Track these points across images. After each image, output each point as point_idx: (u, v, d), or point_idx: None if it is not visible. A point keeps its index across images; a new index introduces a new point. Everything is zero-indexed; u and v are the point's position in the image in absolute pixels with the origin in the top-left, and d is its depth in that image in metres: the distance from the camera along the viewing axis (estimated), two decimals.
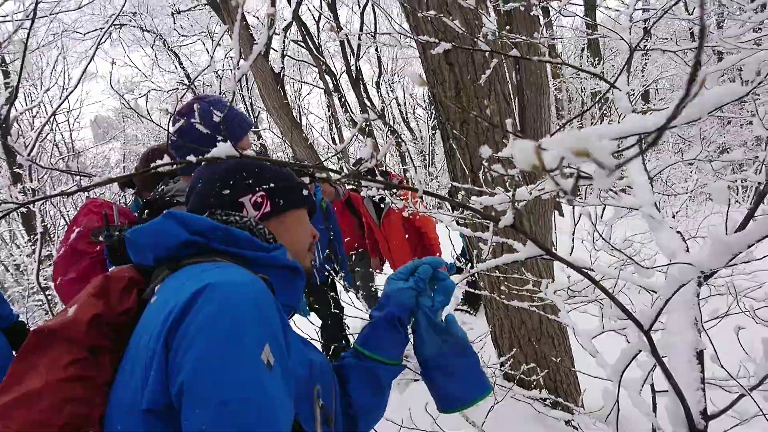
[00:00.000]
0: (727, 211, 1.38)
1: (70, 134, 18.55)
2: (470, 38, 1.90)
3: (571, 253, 7.06)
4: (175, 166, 1.17)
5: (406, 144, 19.06)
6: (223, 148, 0.95)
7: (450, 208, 2.73)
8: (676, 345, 1.27)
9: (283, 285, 1.12)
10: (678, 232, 1.43)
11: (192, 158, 0.95)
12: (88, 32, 11.85)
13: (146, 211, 1.62)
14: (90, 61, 5.90)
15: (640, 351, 1.25)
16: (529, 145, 0.40)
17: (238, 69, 0.86)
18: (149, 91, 17.06)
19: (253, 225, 1.19)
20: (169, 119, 1.79)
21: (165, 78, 16.65)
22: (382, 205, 4.57)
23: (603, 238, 1.67)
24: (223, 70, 17.30)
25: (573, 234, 4.97)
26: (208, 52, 17.56)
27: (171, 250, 1.07)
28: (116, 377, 0.92)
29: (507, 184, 2.14)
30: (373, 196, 4.17)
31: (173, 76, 16.33)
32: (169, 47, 15.05)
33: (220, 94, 16.57)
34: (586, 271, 1.05)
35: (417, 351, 1.30)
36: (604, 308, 1.36)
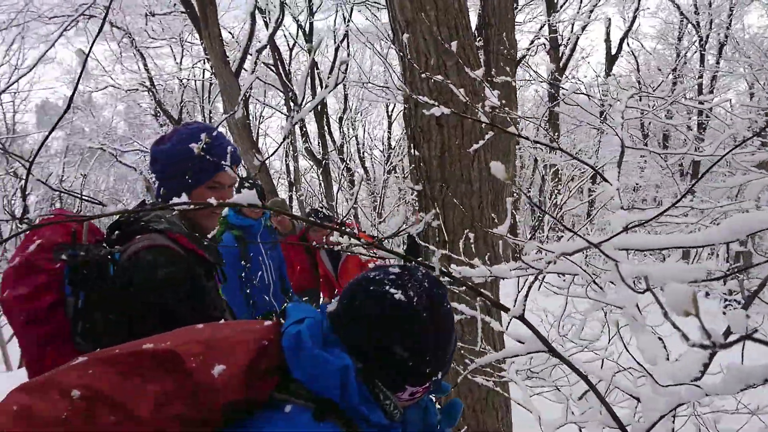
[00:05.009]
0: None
1: (13, 116, 17.61)
2: (472, 106, 1.91)
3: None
4: (191, 205, 1.07)
5: (354, 184, 19.11)
6: (246, 196, 0.88)
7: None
8: None
9: None
10: (659, 337, 1.44)
11: (213, 201, 0.88)
12: (55, 16, 11.36)
13: (116, 231, 1.49)
14: (51, 46, 5.66)
15: None
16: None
17: (296, 112, 0.81)
18: (106, 86, 16.45)
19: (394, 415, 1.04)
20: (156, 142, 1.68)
21: (125, 76, 16.12)
22: (339, 253, 4.46)
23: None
24: (188, 79, 16.92)
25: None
26: (175, 59, 17.27)
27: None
28: None
29: (486, 257, 2.14)
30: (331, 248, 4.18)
31: (134, 76, 15.80)
32: (136, 47, 14.60)
33: (181, 101, 16.13)
34: (589, 381, 1.03)
35: None
36: (592, 412, 1.34)
